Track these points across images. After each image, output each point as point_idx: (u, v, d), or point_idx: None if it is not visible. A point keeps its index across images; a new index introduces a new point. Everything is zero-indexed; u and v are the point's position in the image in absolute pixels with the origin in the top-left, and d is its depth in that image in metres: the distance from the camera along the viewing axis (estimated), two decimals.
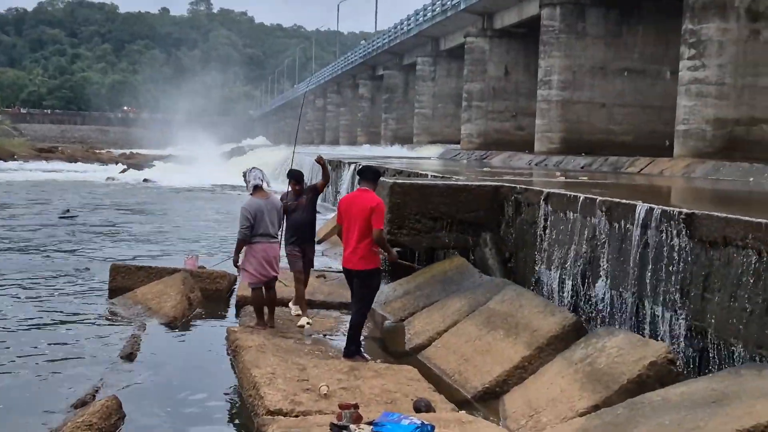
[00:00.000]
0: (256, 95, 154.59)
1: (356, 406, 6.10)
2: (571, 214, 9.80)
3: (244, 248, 9.54)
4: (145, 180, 40.60)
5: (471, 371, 8.10)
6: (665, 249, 7.66)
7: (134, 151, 78.55)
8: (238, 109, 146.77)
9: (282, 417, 6.34)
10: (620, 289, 8.47)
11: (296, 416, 6.45)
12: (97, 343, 9.32)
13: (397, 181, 12.64)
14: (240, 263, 9.67)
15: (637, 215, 8.23)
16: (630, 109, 29.50)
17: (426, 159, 34.22)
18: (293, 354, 8.40)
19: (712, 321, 6.78)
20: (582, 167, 24.23)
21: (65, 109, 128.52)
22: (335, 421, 5.99)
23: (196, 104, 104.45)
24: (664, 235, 7.72)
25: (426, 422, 5.72)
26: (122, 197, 30.36)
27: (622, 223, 8.57)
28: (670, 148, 23.04)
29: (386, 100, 56.28)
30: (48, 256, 15.62)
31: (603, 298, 8.83)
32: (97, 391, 7.42)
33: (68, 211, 23.45)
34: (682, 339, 7.31)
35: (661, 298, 7.66)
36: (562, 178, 16.36)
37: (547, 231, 10.47)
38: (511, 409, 7.16)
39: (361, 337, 9.06)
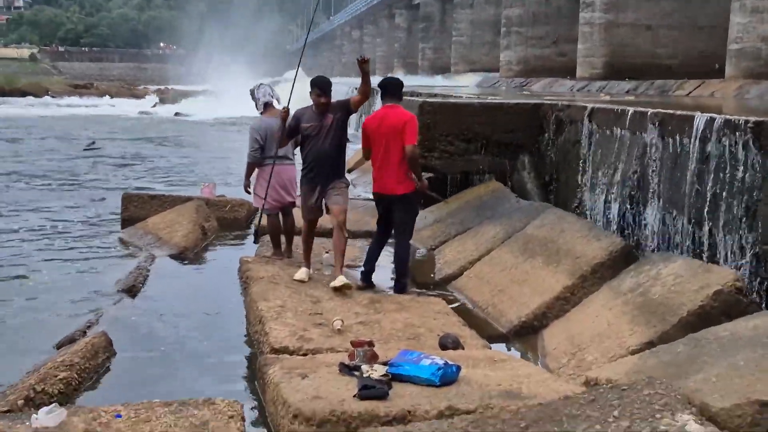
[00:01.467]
0: (292, 30, 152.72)
1: (371, 344, 5.28)
2: (619, 130, 8.78)
3: (256, 171, 8.70)
4: (176, 114, 39.93)
5: (506, 303, 7.23)
6: (728, 163, 6.64)
7: (170, 86, 77.88)
8: (274, 44, 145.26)
9: (288, 356, 5.55)
10: (674, 212, 7.49)
11: (304, 354, 5.65)
12: (100, 275, 8.60)
13: (428, 99, 11.65)
14: (252, 188, 8.85)
15: (695, 127, 7.20)
16: (677, 31, 27.84)
17: (464, 87, 32.97)
18: (308, 285, 7.59)
19: None
20: (627, 92, 22.92)
21: (103, 47, 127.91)
22: (347, 361, 5.18)
23: (232, 40, 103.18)
24: (727, 147, 6.70)
25: (450, 362, 4.87)
26: (151, 130, 29.70)
27: (677, 137, 7.55)
28: (719, 71, 21.61)
29: (423, 29, 54.62)
30: (65, 188, 15.01)
31: (654, 223, 7.87)
32: (89, 327, 6.68)
33: (93, 143, 22.85)
34: (747, 266, 6.34)
35: (722, 221, 6.68)
36: (607, 98, 15.24)
37: (592, 150, 9.47)
38: (551, 345, 6.29)
39: (389, 265, 8.27)
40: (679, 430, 3.49)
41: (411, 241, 10.28)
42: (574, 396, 3.99)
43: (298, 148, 8.66)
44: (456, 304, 7.56)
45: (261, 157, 8.53)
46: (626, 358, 5.10)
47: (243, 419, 4.50)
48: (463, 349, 5.93)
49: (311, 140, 7.56)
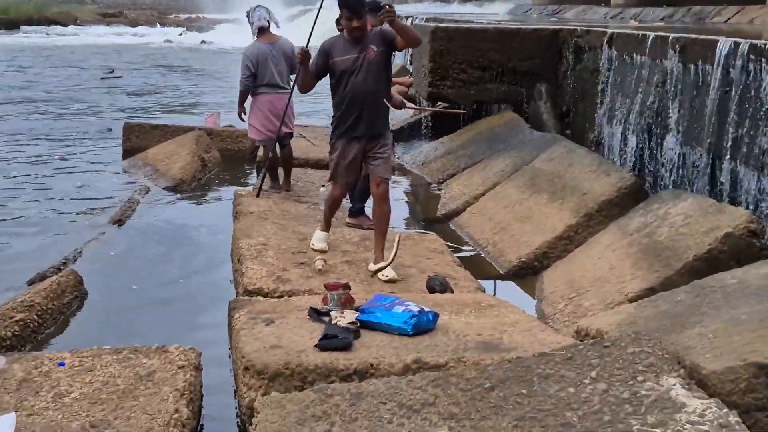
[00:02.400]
0: None
1: (346, 287, 4.87)
2: (639, 57, 8.17)
3: (251, 101, 8.26)
4: (202, 42, 39.33)
5: (506, 242, 6.78)
6: (753, 92, 6.06)
7: (200, 15, 77.01)
8: None
9: (261, 298, 5.17)
10: (693, 145, 6.93)
11: (279, 297, 5.27)
12: (92, 207, 8.27)
13: (440, 25, 11.03)
14: (247, 118, 8.42)
15: (718, 52, 6.59)
16: None
17: (492, 15, 31.94)
18: (299, 221, 7.19)
19: None
20: (662, 19, 21.94)
21: None
22: (319, 305, 4.80)
23: None
24: (752, 75, 6.11)
25: (427, 309, 4.46)
26: (171, 59, 29.19)
27: (699, 64, 6.95)
28: None
29: None
30: (76, 117, 14.67)
31: (672, 157, 7.32)
32: (65, 263, 6.35)
33: (112, 71, 22.44)
34: None
35: (744, 155, 6.12)
36: (635, 23, 14.46)
37: (610, 79, 8.87)
38: (549, 289, 5.86)
39: (391, 199, 7.83)
40: (662, 396, 3.06)
41: (419, 173, 9.89)
42: (550, 353, 3.56)
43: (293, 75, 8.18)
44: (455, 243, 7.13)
45: (253, 85, 8.08)
46: (622, 307, 4.65)
47: (198, 369, 4.14)
48: (451, 292, 5.51)
49: (347, 78, 5.67)
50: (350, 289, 4.89)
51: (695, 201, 5.57)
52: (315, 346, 4.03)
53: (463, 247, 7.07)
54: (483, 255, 6.86)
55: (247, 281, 5.42)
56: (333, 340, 4.04)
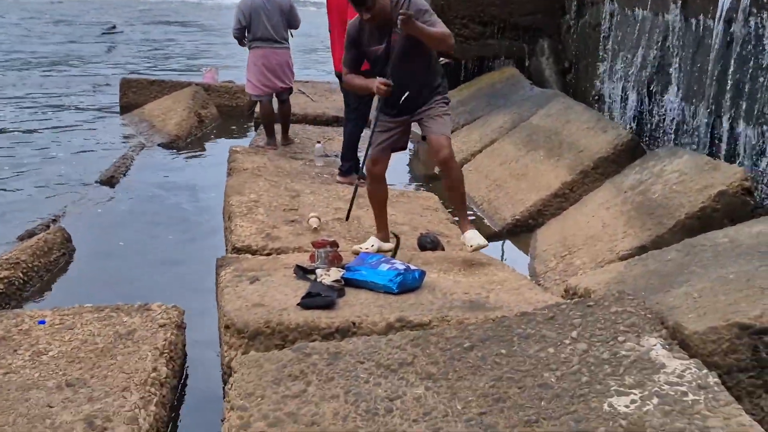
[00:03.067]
0: None
1: (334, 244, 4.82)
2: (640, 11, 8.01)
3: (249, 55, 8.17)
4: None
5: (502, 199, 6.70)
6: (754, 47, 5.92)
7: None
8: None
9: (249, 256, 5.11)
10: (693, 102, 6.81)
11: (268, 254, 5.21)
12: (86, 164, 8.21)
13: None
14: (245, 73, 8.34)
15: (720, 6, 6.43)
16: None
17: None
18: (293, 178, 7.13)
19: None
20: None
21: None
22: (306, 263, 4.75)
23: None
24: (753, 29, 5.96)
25: (415, 267, 4.40)
26: (174, 14, 28.91)
27: (701, 18, 6.79)
28: None
29: None
30: (73, 73, 14.54)
31: (672, 113, 7.20)
32: (54, 220, 6.32)
33: (114, 27, 22.22)
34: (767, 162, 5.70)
35: (744, 112, 6.00)
36: None
37: (612, 34, 8.71)
38: (542, 246, 5.79)
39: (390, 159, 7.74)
40: (642, 357, 3.00)
41: (416, 130, 9.75)
42: (531, 312, 3.50)
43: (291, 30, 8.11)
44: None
45: (248, 39, 7.99)
46: (612, 265, 4.58)
47: (180, 327, 4.11)
48: (442, 249, 5.45)
49: (381, 66, 5.02)
50: (338, 247, 4.84)
51: (691, 158, 5.47)
52: (298, 304, 3.98)
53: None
54: (478, 212, 6.79)
55: (235, 238, 5.37)
56: (316, 299, 3.98)
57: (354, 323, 3.83)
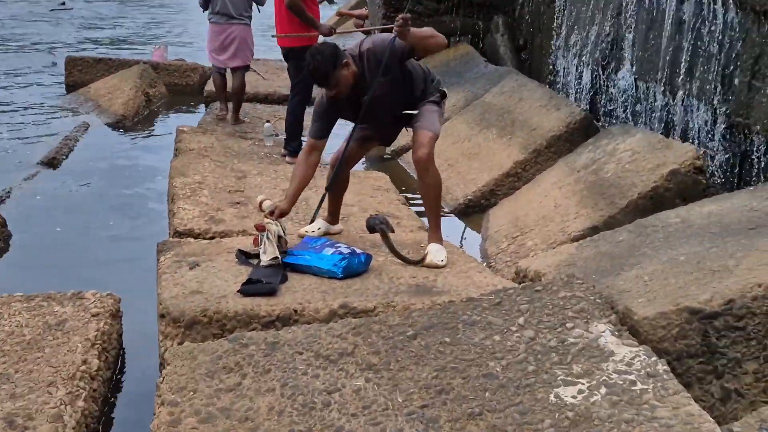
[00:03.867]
0: None
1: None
2: None
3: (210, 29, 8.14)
4: None
5: (454, 179, 6.58)
6: (705, 24, 5.84)
7: None
8: None
9: (191, 240, 4.93)
10: (647, 79, 6.73)
11: (211, 238, 5.03)
12: (28, 146, 7.93)
13: None
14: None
15: None
16: None
17: None
18: (241, 158, 6.94)
19: (761, 117, 5.08)
20: None
21: None
22: (250, 247, 4.59)
23: None
24: (705, 6, 5.88)
25: (360, 251, 4.25)
26: None
27: None
28: None
29: None
30: (19, 51, 14.10)
31: (626, 91, 7.12)
32: None
33: (63, 3, 21.65)
34: (718, 140, 5.63)
35: (696, 89, 5.94)
36: None
37: (566, 10, 8.61)
38: (494, 227, 5.68)
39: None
40: (590, 344, 2.90)
41: None
42: (478, 298, 3.38)
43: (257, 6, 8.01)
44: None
45: (208, 13, 7.95)
46: (564, 247, 4.48)
47: (115, 316, 3.92)
48: (392, 231, 5.30)
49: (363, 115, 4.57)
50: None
51: (644, 136, 5.38)
52: (238, 291, 3.82)
53: (412, 186, 6.85)
54: None
55: (177, 222, 5.18)
56: (257, 285, 3.83)
57: (295, 311, 3.68)
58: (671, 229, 4.04)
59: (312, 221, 4.93)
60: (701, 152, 4.91)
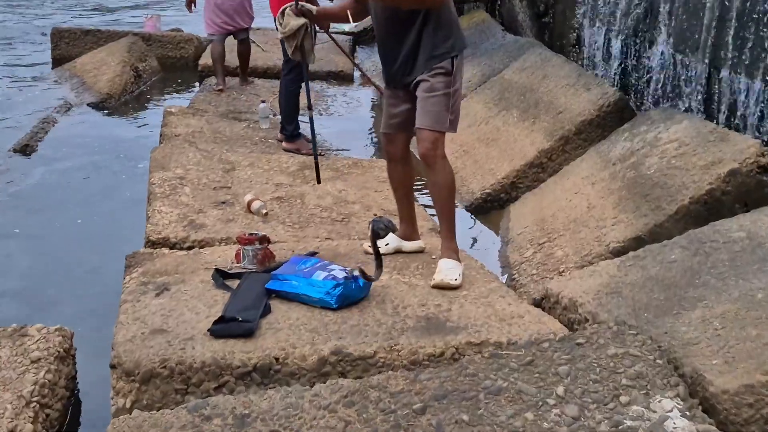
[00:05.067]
0: None
1: (264, 240, 3.96)
2: None
3: None
4: None
5: (470, 168, 5.85)
6: None
7: None
8: None
9: (166, 251, 4.23)
10: (687, 52, 5.93)
11: (189, 248, 4.34)
12: (6, 130, 7.20)
13: None
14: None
15: None
16: None
17: None
18: (231, 145, 6.25)
19: None
20: None
21: None
22: (231, 263, 3.91)
23: None
24: None
25: (356, 274, 3.53)
26: None
27: None
28: None
29: None
30: (6, 21, 13.36)
31: (662, 65, 6.33)
32: None
33: None
34: None
35: (746, 64, 5.14)
36: None
37: None
38: (516, 228, 4.96)
39: (348, 113, 6.88)
40: (654, 428, 2.19)
41: (381, 83, 8.85)
42: (504, 354, 2.68)
43: None
44: None
45: None
46: (602, 264, 3.74)
47: (64, 359, 3.24)
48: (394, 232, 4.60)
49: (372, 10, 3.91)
50: (269, 243, 3.98)
51: (691, 124, 4.62)
52: (208, 330, 3.13)
53: (422, 175, 6.12)
54: None
55: (151, 229, 4.48)
56: (230, 325, 3.13)
57: (277, 359, 2.99)
58: (737, 248, 3.31)
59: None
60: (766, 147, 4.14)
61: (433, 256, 4.14)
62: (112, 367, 2.96)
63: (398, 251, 4.20)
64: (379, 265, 3.63)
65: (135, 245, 4.44)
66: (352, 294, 3.43)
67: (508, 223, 5.14)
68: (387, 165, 4.19)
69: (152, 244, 4.37)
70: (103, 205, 5.52)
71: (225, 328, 3.11)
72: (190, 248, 4.34)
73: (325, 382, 2.96)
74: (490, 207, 5.49)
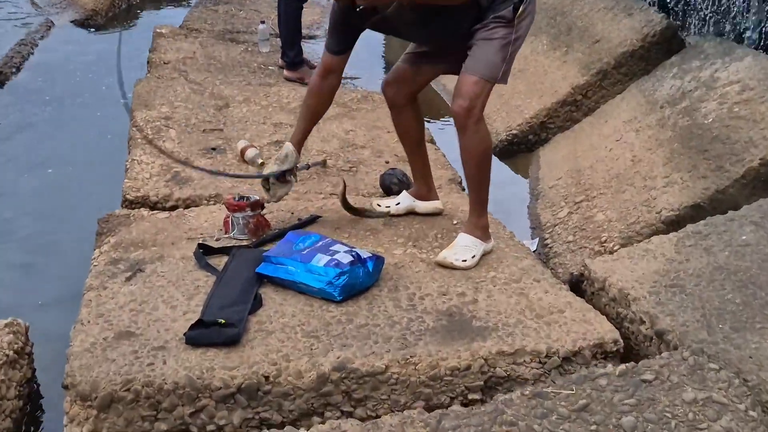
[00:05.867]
0: None
1: (257, 205, 3.38)
2: None
3: None
4: None
5: (493, 105, 5.19)
6: None
7: None
8: None
9: (145, 212, 3.66)
10: None
11: (172, 208, 3.77)
12: None
13: None
14: None
15: None
16: None
17: None
18: (227, 74, 5.60)
19: None
20: None
21: None
22: (218, 234, 3.35)
23: None
24: None
25: (367, 253, 2.96)
26: None
27: None
28: None
29: None
30: None
31: None
32: None
33: None
34: None
35: None
36: None
37: None
38: (548, 179, 4.35)
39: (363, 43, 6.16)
40: None
41: None
42: (548, 394, 2.12)
43: None
44: None
45: None
46: (655, 242, 3.14)
47: (14, 363, 2.70)
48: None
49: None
50: (262, 209, 3.40)
51: (757, 63, 3.94)
52: (185, 334, 2.58)
53: (440, 112, 5.49)
54: None
55: (128, 185, 3.90)
56: (210, 331, 2.57)
57: (267, 377, 2.44)
58: None
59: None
60: None
61: (455, 222, 3.57)
62: (65, 387, 2.43)
63: (411, 212, 3.63)
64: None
65: (113, 203, 3.88)
66: (360, 282, 2.87)
67: (537, 172, 4.53)
68: (390, 113, 3.52)
69: (130, 203, 3.80)
70: (79, 151, 4.89)
71: (204, 334, 2.56)
72: (173, 208, 3.77)
73: (325, 404, 2.44)
74: (516, 150, 4.88)
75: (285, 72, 5.74)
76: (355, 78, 6.09)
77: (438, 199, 3.65)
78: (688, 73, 4.26)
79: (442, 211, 3.66)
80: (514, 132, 4.87)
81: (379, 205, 3.62)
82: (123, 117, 4.63)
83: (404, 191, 3.67)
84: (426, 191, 3.63)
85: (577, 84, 4.82)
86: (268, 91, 5.20)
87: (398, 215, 3.61)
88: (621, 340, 2.62)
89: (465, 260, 3.14)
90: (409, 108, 3.42)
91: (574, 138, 4.59)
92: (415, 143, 3.56)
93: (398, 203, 3.61)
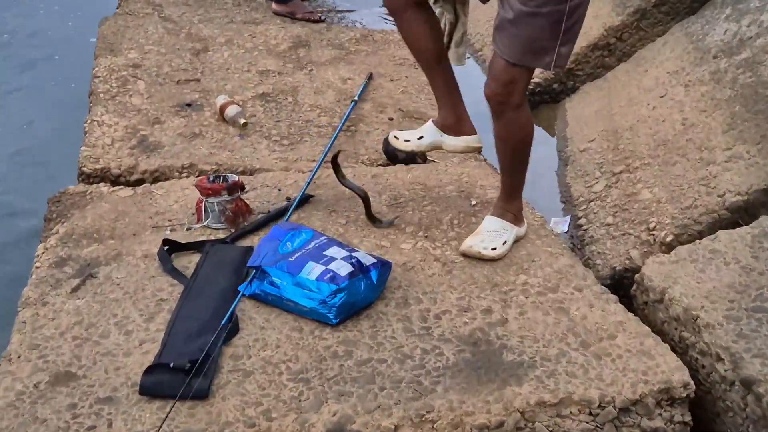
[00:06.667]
0: None
1: (236, 188, 2.79)
2: None
3: None
4: None
5: None
6: None
7: None
8: None
9: (105, 189, 3.06)
10: None
11: (137, 184, 3.17)
12: None
13: None
14: None
15: None
16: None
17: None
18: (208, 9, 4.92)
19: None
20: None
21: None
22: (189, 223, 2.77)
23: None
24: None
25: (370, 259, 2.38)
26: None
27: None
28: None
29: None
30: None
31: None
32: None
33: None
34: None
35: None
36: None
37: None
38: (579, 141, 3.74)
39: None
40: None
41: None
42: None
43: None
44: None
45: None
46: (724, 239, 2.54)
47: None
48: (423, 161, 3.44)
49: None
50: (242, 191, 2.81)
51: None
52: (139, 383, 2.02)
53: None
54: (479, 65, 4.66)
55: (85, 154, 3.29)
56: (171, 380, 2.00)
57: None
58: None
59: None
60: None
61: (473, 203, 2.98)
62: None
63: (436, 149, 2.91)
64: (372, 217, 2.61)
65: (69, 176, 3.28)
66: (361, 299, 2.31)
67: (565, 129, 3.91)
68: (396, 23, 2.72)
69: (87, 177, 3.20)
70: (34, 108, 4.23)
71: (163, 383, 2.00)
72: (138, 182, 3.18)
73: None
74: (539, 101, 4.25)
75: (273, 5, 5.05)
76: (350, 11, 5.42)
77: (474, 133, 2.84)
78: (746, 14, 3.60)
79: (480, 150, 2.99)
80: (537, 80, 4.22)
81: (396, 138, 2.91)
82: (88, 64, 3.99)
83: (430, 121, 2.93)
84: (454, 121, 2.82)
85: (611, 25, 4.15)
86: (253, 30, 4.53)
87: (420, 152, 2.95)
88: (692, 383, 2.08)
89: (495, 248, 2.58)
90: (411, 12, 2.61)
91: (608, 89, 3.96)
92: (432, 58, 2.72)
93: (421, 137, 2.88)
